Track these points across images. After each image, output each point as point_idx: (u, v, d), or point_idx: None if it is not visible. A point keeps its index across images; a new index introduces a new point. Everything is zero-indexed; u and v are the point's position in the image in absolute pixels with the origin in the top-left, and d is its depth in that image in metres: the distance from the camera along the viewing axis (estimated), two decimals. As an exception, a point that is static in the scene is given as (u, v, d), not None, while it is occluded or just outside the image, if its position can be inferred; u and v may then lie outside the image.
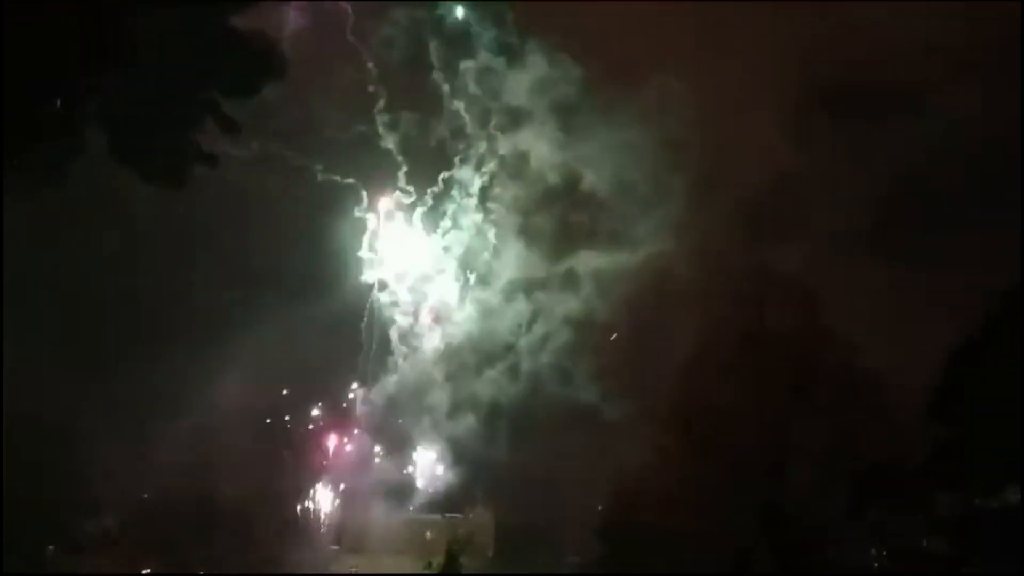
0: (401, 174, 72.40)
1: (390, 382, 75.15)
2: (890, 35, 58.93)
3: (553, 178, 70.78)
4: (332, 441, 77.10)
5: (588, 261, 68.61)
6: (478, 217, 73.31)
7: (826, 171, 62.27)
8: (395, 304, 75.66)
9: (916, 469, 34.99)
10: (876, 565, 37.53)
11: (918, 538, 37.84)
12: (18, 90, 3.63)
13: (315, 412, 77.34)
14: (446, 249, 74.41)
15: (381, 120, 70.46)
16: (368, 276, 74.92)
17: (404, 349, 75.39)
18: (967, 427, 33.10)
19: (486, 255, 73.47)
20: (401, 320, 75.66)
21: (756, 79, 61.08)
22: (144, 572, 68.87)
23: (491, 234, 73.26)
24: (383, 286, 75.30)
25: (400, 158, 71.70)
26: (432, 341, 75.45)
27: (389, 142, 71.21)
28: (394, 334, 75.46)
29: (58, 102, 3.75)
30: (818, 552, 35.90)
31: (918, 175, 60.09)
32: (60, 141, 3.94)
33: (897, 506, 36.00)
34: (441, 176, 72.81)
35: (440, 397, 74.02)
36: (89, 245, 73.15)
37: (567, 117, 68.93)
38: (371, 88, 69.17)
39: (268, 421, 72.61)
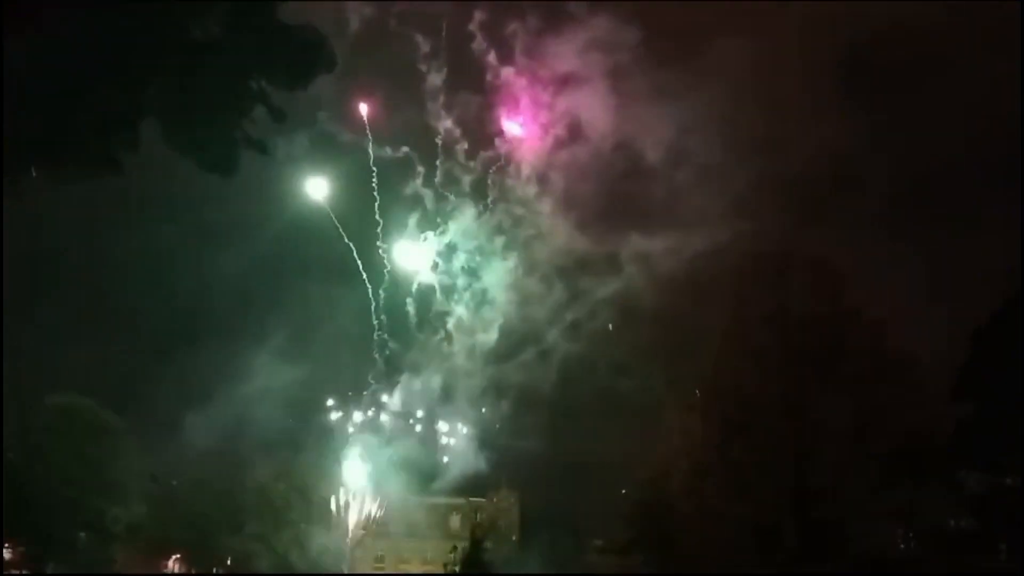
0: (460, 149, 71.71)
1: (421, 367, 75.20)
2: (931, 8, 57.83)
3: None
4: (360, 421, 77.38)
5: (623, 245, 68.09)
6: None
7: (858, 151, 61.64)
8: (436, 286, 75.35)
9: (943, 448, 34.85)
10: (903, 545, 37.39)
11: (945, 518, 37.77)
12: (81, 81, 3.73)
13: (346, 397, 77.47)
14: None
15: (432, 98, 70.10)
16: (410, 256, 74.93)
17: (439, 332, 75.18)
18: (993, 406, 32.91)
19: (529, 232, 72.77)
20: (439, 302, 75.51)
21: (790, 57, 60.19)
22: (174, 557, 69.87)
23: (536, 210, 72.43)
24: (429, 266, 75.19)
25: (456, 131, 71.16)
26: (468, 325, 75.17)
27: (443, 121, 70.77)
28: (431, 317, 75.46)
29: (117, 92, 3.85)
30: (845, 531, 35.82)
31: (948, 156, 59.52)
32: (118, 131, 4.04)
33: (924, 485, 35.86)
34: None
35: (470, 382, 73.97)
36: (129, 237, 74.03)
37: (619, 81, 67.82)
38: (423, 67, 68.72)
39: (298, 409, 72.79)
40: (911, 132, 59.48)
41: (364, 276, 72.06)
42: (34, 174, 4.35)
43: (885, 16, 57.53)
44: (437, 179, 71.14)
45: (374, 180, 70.79)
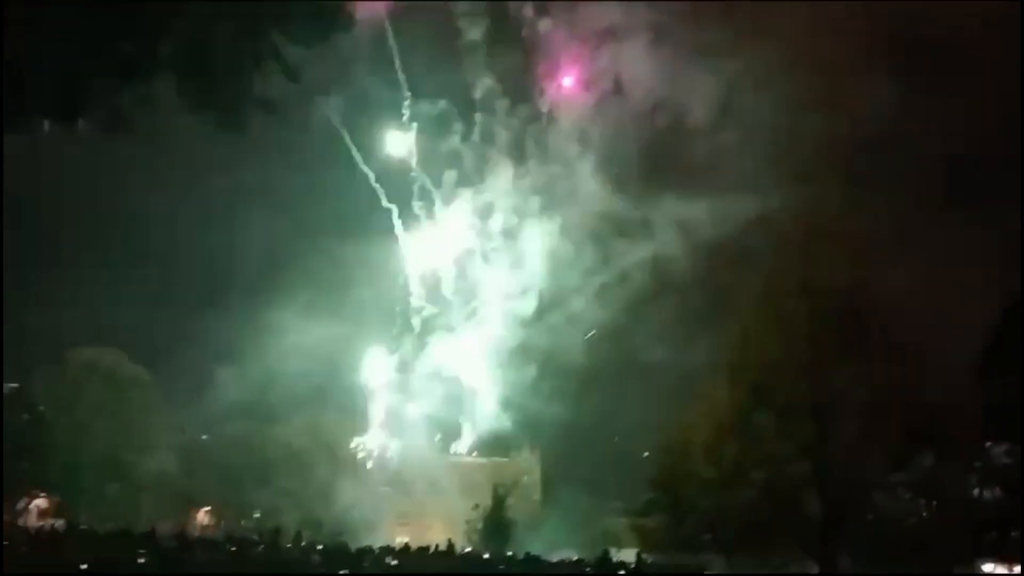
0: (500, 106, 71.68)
1: (451, 328, 75.73)
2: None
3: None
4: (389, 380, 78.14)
5: (656, 209, 67.67)
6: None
7: (889, 127, 60.42)
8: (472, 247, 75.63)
9: (968, 419, 34.63)
10: (924, 515, 37.28)
11: (968, 489, 37.60)
12: (94, 35, 3.69)
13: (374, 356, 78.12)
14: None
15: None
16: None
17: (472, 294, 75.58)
18: (1019, 379, 32.64)
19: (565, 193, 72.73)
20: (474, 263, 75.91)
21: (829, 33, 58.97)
22: (204, 510, 71.25)
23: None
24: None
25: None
26: (500, 287, 75.42)
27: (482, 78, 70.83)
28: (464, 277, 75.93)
29: (131, 46, 3.79)
30: (866, 499, 35.77)
31: (978, 134, 58.26)
32: (132, 87, 3.99)
33: (947, 457, 35.68)
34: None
35: (498, 343, 74.32)
36: (161, 195, 74.82)
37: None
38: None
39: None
40: (954, 106, 57.97)
41: (397, 234, 72.60)
42: (46, 128, 4.34)
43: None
44: (475, 136, 71.24)
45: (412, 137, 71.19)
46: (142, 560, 27.44)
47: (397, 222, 75.08)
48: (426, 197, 74.93)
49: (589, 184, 70.82)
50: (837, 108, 57.35)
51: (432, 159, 74.97)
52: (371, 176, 73.36)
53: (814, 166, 57.71)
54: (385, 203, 73.83)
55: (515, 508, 61.00)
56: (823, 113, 56.92)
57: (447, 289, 76.43)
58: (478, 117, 73.18)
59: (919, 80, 59.07)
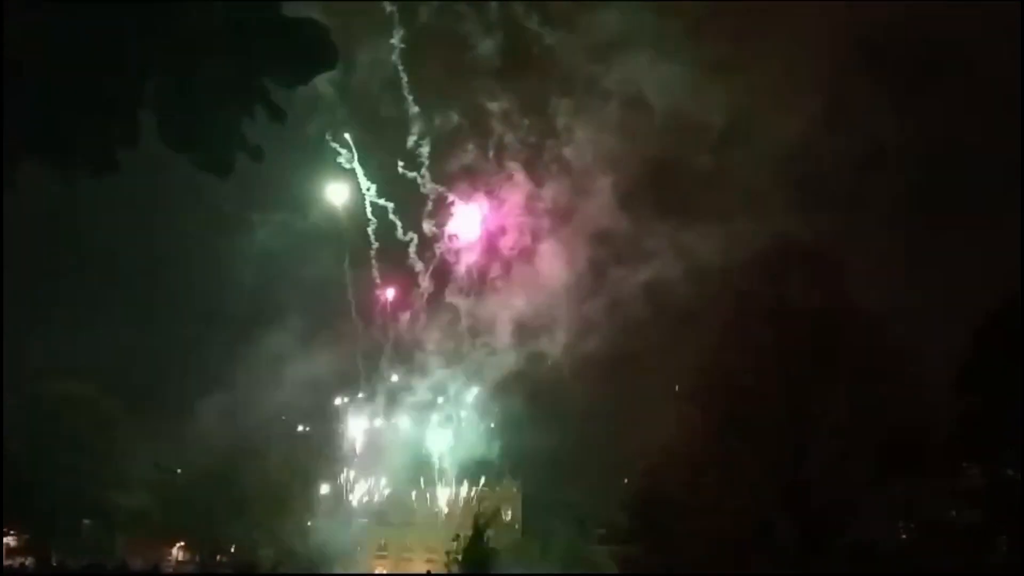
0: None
1: (430, 358, 75.46)
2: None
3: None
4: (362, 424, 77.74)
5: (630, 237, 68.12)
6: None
7: (857, 142, 61.44)
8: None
9: (943, 442, 34.91)
10: (904, 537, 37.48)
11: (945, 510, 37.84)
12: (77, 74, 3.72)
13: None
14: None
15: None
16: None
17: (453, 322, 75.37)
18: (994, 398, 32.97)
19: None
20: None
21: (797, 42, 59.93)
22: (178, 545, 70.25)
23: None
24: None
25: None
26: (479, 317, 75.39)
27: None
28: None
29: (116, 86, 3.82)
30: (842, 524, 35.90)
31: (951, 148, 59.34)
32: (116, 127, 4.01)
33: (922, 478, 35.92)
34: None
35: (476, 372, 74.19)
36: (134, 228, 74.34)
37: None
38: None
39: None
40: (920, 124, 59.10)
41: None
42: (29, 170, 4.38)
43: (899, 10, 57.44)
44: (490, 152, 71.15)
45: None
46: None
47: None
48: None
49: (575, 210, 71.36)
50: (801, 134, 58.24)
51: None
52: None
53: (783, 188, 58.54)
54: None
55: (496, 538, 60.62)
56: (790, 134, 57.81)
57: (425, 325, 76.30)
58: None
59: (887, 95, 60.09)
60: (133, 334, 73.51)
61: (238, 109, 4.49)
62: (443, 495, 75.98)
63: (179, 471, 70.32)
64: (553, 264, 70.90)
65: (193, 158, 4.56)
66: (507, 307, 72.17)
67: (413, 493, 75.68)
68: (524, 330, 71.22)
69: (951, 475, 36.52)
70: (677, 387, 41.59)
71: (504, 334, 71.56)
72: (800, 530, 35.38)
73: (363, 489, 75.44)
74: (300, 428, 76.58)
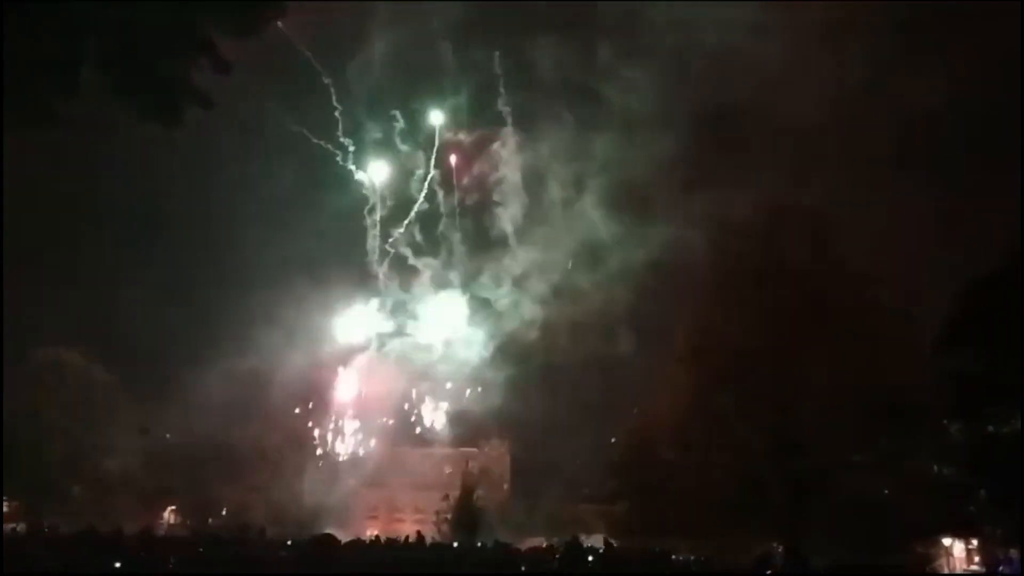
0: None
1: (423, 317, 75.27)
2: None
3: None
4: (357, 379, 77.77)
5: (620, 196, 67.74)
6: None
7: (845, 98, 61.06)
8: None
9: (929, 399, 35.22)
10: (886, 491, 37.93)
11: (927, 467, 38.35)
12: (18, 25, 3.60)
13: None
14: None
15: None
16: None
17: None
18: (980, 356, 33.24)
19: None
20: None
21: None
22: (169, 508, 70.67)
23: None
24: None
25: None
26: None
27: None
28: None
29: (57, 38, 3.69)
30: (827, 479, 36.31)
31: (941, 104, 58.93)
32: (58, 79, 3.89)
33: (908, 435, 36.29)
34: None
35: (462, 333, 74.21)
36: (118, 187, 73.57)
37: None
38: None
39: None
40: (911, 79, 58.62)
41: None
42: None
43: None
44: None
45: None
46: (117, 563, 27.06)
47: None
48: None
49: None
50: (794, 83, 57.79)
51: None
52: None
53: (772, 146, 58.29)
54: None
55: (485, 498, 61.22)
56: (779, 90, 57.41)
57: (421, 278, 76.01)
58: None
59: (878, 43, 59.56)
60: (122, 299, 73.29)
61: (183, 58, 4.40)
62: (433, 456, 76.46)
63: (168, 435, 70.54)
64: (564, 222, 70.39)
65: (136, 108, 4.46)
66: (511, 263, 71.84)
67: (404, 454, 76.14)
68: (522, 289, 71.12)
69: (936, 432, 36.95)
70: (668, 347, 41.65)
71: (503, 291, 71.36)
72: (788, 488, 35.77)
73: (353, 450, 75.84)
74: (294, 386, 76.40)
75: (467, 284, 73.56)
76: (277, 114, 66.91)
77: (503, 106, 70.68)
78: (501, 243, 72.48)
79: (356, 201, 74.84)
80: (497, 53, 69.29)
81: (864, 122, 63.13)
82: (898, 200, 57.94)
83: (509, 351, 69.60)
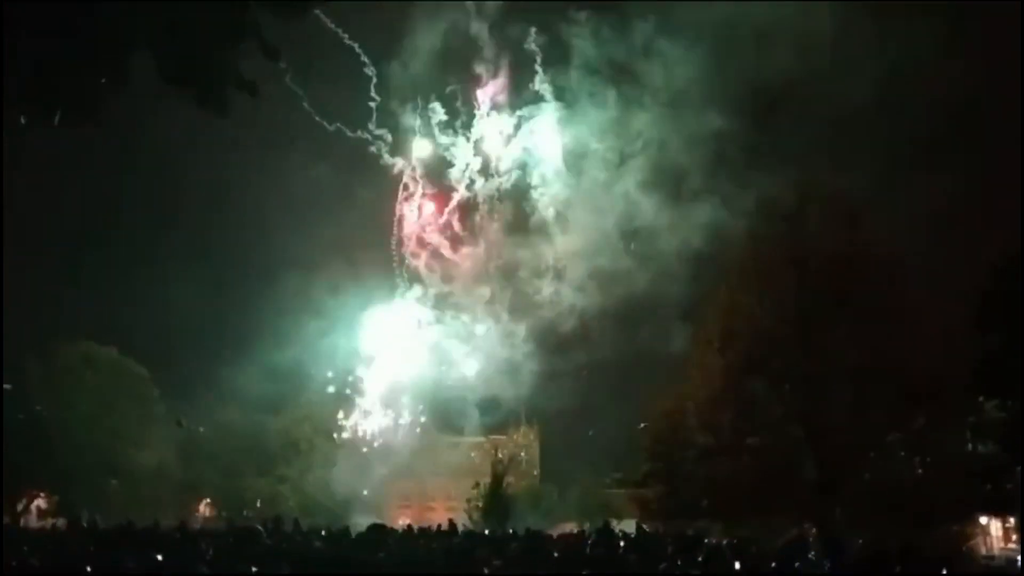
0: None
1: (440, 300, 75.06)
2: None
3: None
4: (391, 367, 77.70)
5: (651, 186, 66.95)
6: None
7: (872, 83, 60.19)
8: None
9: (962, 379, 34.87)
10: (920, 472, 37.66)
11: (962, 446, 38.00)
12: (63, 18, 3.62)
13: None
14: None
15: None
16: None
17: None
18: (1013, 336, 32.89)
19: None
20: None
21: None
22: (204, 501, 71.48)
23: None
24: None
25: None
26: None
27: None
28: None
29: (105, 24, 3.71)
30: (859, 462, 36.06)
31: (966, 89, 58.12)
32: (104, 71, 3.89)
33: (942, 414, 35.96)
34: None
35: (491, 318, 73.92)
36: (156, 186, 74.12)
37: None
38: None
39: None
40: (950, 62, 57.67)
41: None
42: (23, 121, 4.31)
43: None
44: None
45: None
46: (159, 556, 27.39)
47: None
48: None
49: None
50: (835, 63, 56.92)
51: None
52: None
53: (800, 130, 57.64)
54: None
55: (515, 484, 61.38)
56: (804, 72, 56.64)
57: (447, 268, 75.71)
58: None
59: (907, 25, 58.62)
60: (155, 294, 74.12)
61: (233, 45, 4.41)
62: (463, 444, 76.67)
63: (201, 429, 71.31)
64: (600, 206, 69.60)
65: (191, 95, 4.49)
66: (547, 250, 71.22)
67: (434, 442, 76.37)
68: (558, 276, 70.60)
69: (968, 412, 36.59)
70: (701, 331, 41.42)
71: (537, 275, 70.85)
72: (820, 471, 35.58)
73: (384, 440, 76.09)
74: (328, 374, 76.56)
75: (506, 275, 73.01)
76: (315, 104, 66.80)
77: (540, 84, 69.77)
78: (539, 230, 71.72)
79: (393, 190, 74.57)
80: (534, 29, 68.47)
81: (902, 104, 62.23)
82: (932, 181, 57.18)
83: (542, 339, 69.24)
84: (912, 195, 56.00)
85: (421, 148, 72.94)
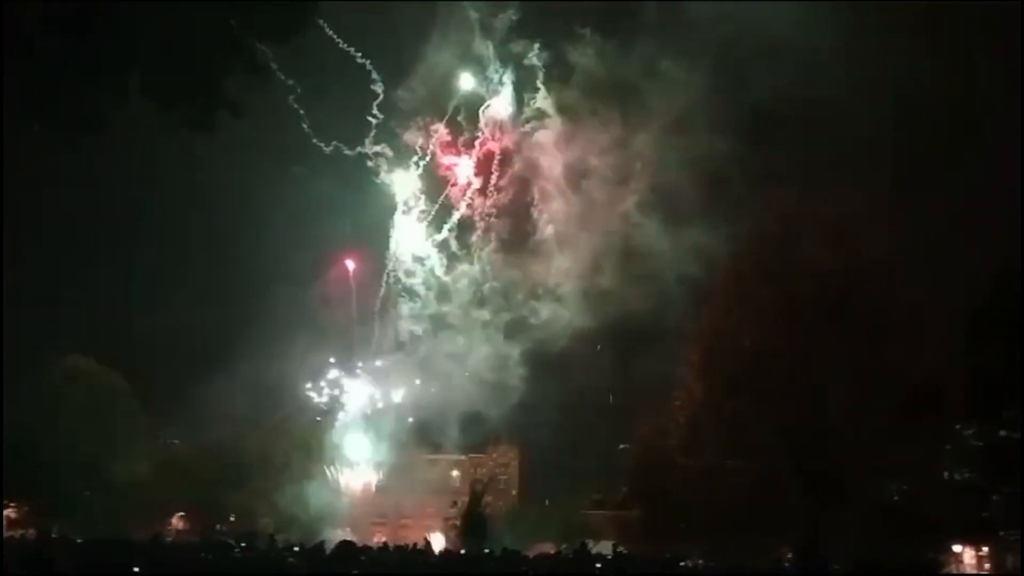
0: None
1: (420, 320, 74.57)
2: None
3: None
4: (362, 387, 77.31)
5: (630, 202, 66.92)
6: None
7: (865, 96, 60.54)
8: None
9: (945, 402, 35.05)
10: (896, 498, 37.81)
11: (943, 470, 38.15)
12: (65, 28, 3.59)
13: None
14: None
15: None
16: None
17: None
18: (1002, 354, 33.01)
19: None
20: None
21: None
22: (178, 515, 70.63)
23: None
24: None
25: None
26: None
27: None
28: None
29: (104, 48, 3.69)
30: (843, 483, 36.14)
31: (961, 101, 58.50)
32: (103, 84, 3.86)
33: (924, 439, 36.10)
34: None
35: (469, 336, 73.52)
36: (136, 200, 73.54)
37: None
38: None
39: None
40: (929, 74, 58.04)
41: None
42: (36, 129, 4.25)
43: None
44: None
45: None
46: (137, 569, 26.99)
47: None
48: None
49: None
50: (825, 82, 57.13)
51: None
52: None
53: (793, 148, 57.77)
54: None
55: (493, 504, 61.12)
56: (801, 91, 56.81)
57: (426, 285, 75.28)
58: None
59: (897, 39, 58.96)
60: (134, 309, 73.49)
61: (221, 65, 4.37)
62: (441, 461, 76.28)
63: (176, 442, 70.64)
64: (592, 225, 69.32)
65: (178, 115, 4.45)
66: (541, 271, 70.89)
67: (411, 460, 75.86)
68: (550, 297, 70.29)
69: (951, 437, 36.75)
70: (682, 352, 41.45)
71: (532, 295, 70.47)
72: (804, 490, 35.56)
73: (361, 456, 75.54)
74: (306, 392, 75.88)
75: (500, 293, 72.57)
76: (313, 121, 66.41)
77: (543, 100, 69.72)
78: (532, 250, 71.46)
79: (388, 209, 74.21)
80: (537, 45, 68.45)
81: (893, 120, 62.57)
82: (922, 198, 57.51)
83: (527, 358, 68.88)
84: (907, 213, 56.10)
85: (419, 166, 72.86)
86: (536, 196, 69.84)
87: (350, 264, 74.65)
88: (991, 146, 58.46)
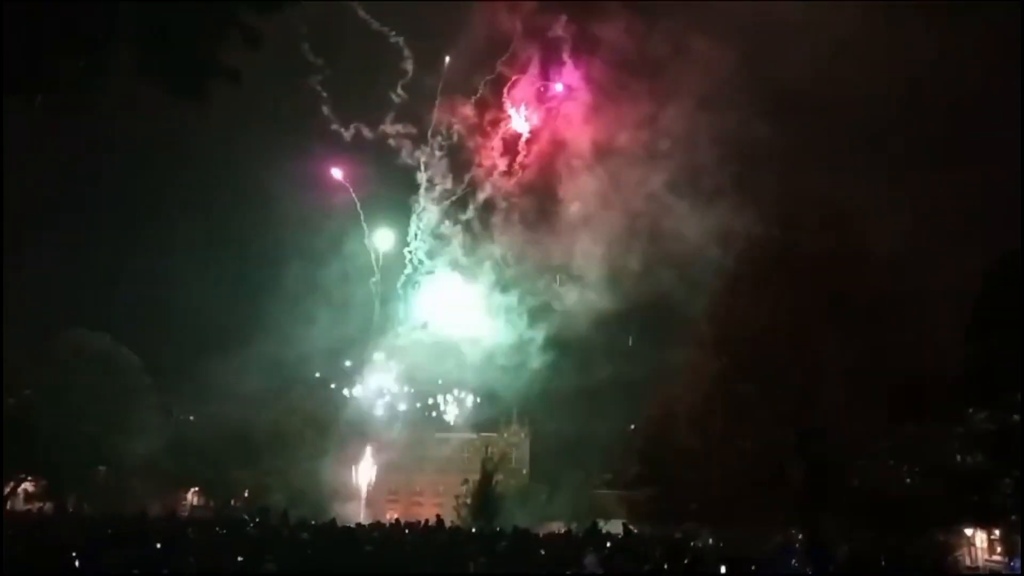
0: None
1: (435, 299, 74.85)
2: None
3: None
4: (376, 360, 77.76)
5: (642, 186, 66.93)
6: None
7: (868, 82, 60.23)
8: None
9: (950, 387, 34.82)
10: (908, 481, 37.64)
11: (951, 455, 37.93)
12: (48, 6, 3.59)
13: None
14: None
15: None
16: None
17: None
18: (1006, 341, 32.82)
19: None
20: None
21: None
22: (192, 490, 71.38)
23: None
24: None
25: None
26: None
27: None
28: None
29: (87, 13, 3.67)
30: (847, 467, 36.04)
31: (963, 88, 58.15)
32: (90, 57, 3.85)
33: (929, 423, 35.90)
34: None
35: (480, 315, 73.84)
36: (152, 176, 74.01)
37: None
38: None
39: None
40: (930, 64, 57.77)
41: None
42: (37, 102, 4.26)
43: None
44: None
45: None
46: (148, 546, 27.38)
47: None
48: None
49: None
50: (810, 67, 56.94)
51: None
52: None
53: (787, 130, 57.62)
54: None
55: (504, 482, 61.39)
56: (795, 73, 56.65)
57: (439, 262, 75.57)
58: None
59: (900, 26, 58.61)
60: (150, 283, 74.06)
61: (210, 33, 4.35)
62: (453, 440, 76.67)
63: (191, 418, 71.23)
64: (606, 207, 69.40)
65: (169, 86, 4.42)
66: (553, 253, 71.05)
67: (424, 438, 76.34)
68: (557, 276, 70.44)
69: (958, 420, 36.52)
70: (692, 334, 41.38)
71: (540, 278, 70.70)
72: (809, 475, 35.51)
73: (374, 434, 76.07)
74: (316, 375, 76.72)
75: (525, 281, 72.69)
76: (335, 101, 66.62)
77: (569, 75, 69.73)
78: (556, 229, 71.57)
79: (409, 190, 74.47)
80: (564, 18, 68.44)
81: (901, 109, 62.27)
82: (927, 186, 57.22)
83: (539, 340, 69.14)
84: (909, 197, 55.82)
85: (443, 147, 72.88)
86: (562, 174, 69.84)
87: (336, 172, 74.41)
88: (999, 133, 57.96)
